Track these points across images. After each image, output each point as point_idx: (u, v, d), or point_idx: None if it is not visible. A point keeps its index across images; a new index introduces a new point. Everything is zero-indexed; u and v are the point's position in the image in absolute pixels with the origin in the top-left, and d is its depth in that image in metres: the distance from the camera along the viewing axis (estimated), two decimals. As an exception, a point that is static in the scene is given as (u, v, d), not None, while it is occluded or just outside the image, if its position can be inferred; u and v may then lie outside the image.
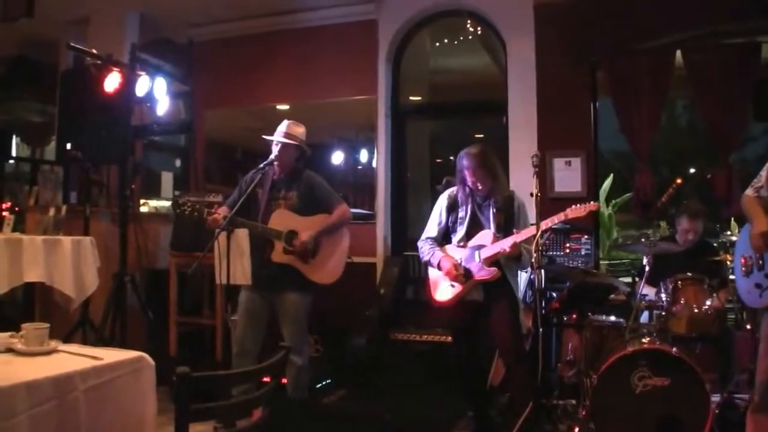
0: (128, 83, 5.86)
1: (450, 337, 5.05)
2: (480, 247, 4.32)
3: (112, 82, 5.86)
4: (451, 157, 9.88)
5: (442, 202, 4.55)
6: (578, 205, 4.07)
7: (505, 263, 4.31)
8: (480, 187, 4.35)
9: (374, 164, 6.95)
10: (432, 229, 4.56)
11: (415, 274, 6.67)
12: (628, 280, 5.92)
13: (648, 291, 4.75)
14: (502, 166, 4.59)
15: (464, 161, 4.36)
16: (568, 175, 6.18)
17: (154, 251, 6.68)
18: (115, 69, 5.87)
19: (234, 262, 4.31)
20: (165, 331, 6.20)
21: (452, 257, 4.39)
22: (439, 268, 4.42)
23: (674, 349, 4.15)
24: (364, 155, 7.09)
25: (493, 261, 4.28)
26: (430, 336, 5.92)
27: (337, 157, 7.16)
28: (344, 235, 4.78)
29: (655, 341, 4.24)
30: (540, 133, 6.26)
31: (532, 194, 4.12)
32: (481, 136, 8.78)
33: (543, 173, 5.83)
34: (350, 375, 5.83)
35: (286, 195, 4.66)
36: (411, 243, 7.31)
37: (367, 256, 6.61)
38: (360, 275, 6.01)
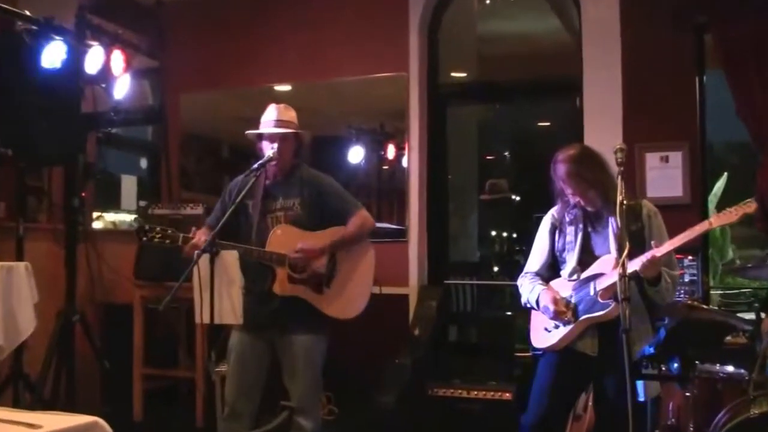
0: (75, 57, 5.85)
1: (509, 394, 4.98)
2: (597, 276, 4.24)
3: (53, 55, 5.81)
4: (506, 153, 10.02)
5: (545, 224, 4.51)
6: (729, 210, 3.97)
7: (634, 296, 4.08)
8: (582, 202, 4.28)
9: (405, 163, 6.92)
10: (534, 261, 4.52)
11: (459, 308, 6.61)
12: (750, 316, 5.83)
13: (779, 331, 4.66)
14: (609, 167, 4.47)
15: (559, 168, 4.28)
16: (665, 175, 6.13)
17: (113, 281, 6.68)
18: (57, 38, 5.84)
19: (220, 294, 4.29)
20: (127, 388, 6.19)
21: (555, 292, 4.33)
22: (537, 306, 4.36)
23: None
24: (391, 151, 7.06)
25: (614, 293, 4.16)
26: (482, 392, 5.86)
27: (356, 154, 7.14)
28: (367, 252, 4.79)
29: (792, 400, 4.14)
30: (626, 120, 6.21)
31: (615, 202, 4.03)
32: (546, 124, 8.74)
33: (630, 173, 5.74)
34: (375, 445, 5.81)
35: (285, 204, 4.67)
36: (455, 268, 7.30)
37: (396, 285, 6.57)
38: (388, 311, 5.94)
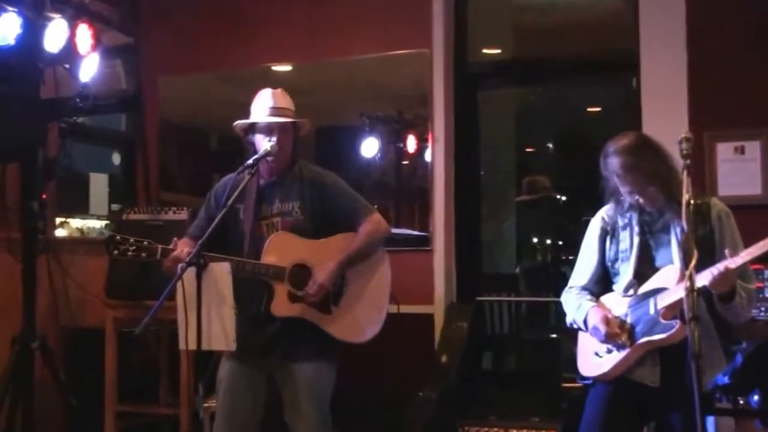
0: (33, 32, 5.87)
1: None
2: (658, 291, 4.22)
3: (4, 29, 5.82)
4: (549, 144, 9.98)
5: (594, 229, 4.48)
6: None
7: (703, 316, 4.09)
8: (641, 200, 4.25)
9: (428, 158, 6.93)
10: (581, 272, 4.50)
11: (494, 329, 6.60)
12: None
13: None
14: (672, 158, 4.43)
15: (612, 162, 4.25)
16: (740, 169, 6.11)
17: (80, 300, 6.69)
18: (10, 8, 5.85)
19: (209, 314, 4.28)
20: (98, 428, 6.19)
21: (607, 309, 4.32)
22: (585, 326, 4.34)
23: None
24: (411, 144, 7.08)
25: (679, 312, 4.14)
26: (522, 430, 5.84)
27: (369, 148, 7.14)
28: (381, 264, 4.80)
29: None
30: (693, 104, 6.19)
31: (679, 202, 4.02)
32: (597, 109, 8.72)
33: (698, 167, 5.77)
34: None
35: (282, 208, 4.69)
36: (489, 282, 7.29)
37: (419, 302, 6.57)
38: (408, 333, 5.97)
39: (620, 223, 4.39)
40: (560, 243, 8.77)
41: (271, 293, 4.55)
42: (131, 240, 4.47)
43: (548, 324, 7.47)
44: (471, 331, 6.45)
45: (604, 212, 4.48)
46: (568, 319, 4.47)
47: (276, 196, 4.68)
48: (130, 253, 4.44)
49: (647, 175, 4.19)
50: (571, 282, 4.54)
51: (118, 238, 4.48)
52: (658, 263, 4.28)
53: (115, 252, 4.46)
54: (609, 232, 4.44)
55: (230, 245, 4.61)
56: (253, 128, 4.71)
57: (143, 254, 4.44)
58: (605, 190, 4.39)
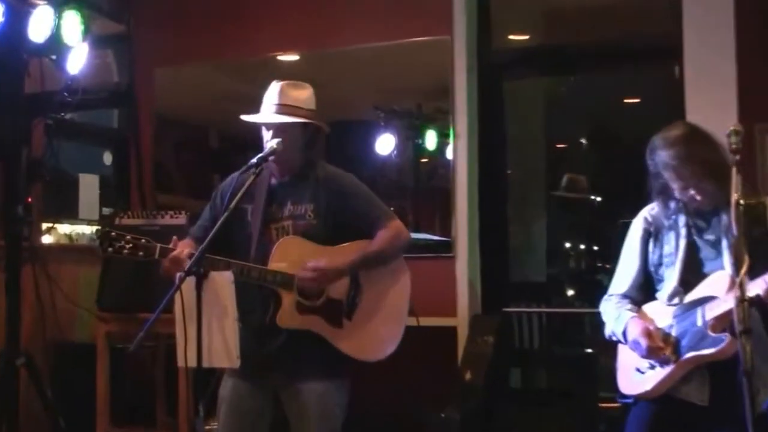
0: (16, 20, 5.88)
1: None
2: (707, 300, 4.20)
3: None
4: (583, 140, 9.96)
5: (636, 230, 4.45)
6: None
7: (757, 328, 4.08)
8: (699, 198, 4.22)
9: (450, 155, 6.93)
10: (621, 279, 4.48)
11: (524, 344, 6.58)
12: None
13: None
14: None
15: (662, 154, 4.22)
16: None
17: (69, 313, 6.70)
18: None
19: (210, 328, 4.26)
20: (89, 451, 6.21)
21: (649, 320, 4.29)
22: (624, 339, 4.31)
23: None
24: (431, 139, 7.09)
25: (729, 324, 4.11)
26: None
27: (385, 144, 7.16)
28: (400, 274, 4.75)
29: None
30: (742, 94, 6.17)
31: (728, 201, 4.00)
32: (635, 100, 8.70)
33: (750, 162, 5.77)
34: None
35: (294, 211, 4.64)
36: (517, 291, 7.27)
37: (440, 315, 6.56)
38: (429, 348, 5.96)
39: (665, 224, 4.35)
40: (595, 248, 8.76)
41: (278, 302, 4.50)
42: (128, 237, 4.45)
43: (583, 337, 7.45)
44: (497, 346, 6.43)
45: (647, 212, 4.44)
46: (607, 331, 4.43)
47: (288, 198, 4.63)
48: (126, 251, 4.43)
49: (705, 167, 4.13)
50: (611, 289, 4.51)
51: (113, 234, 4.46)
52: (706, 269, 4.23)
53: (110, 249, 4.44)
54: (652, 234, 4.40)
55: (236, 249, 4.57)
56: (260, 128, 4.69)
57: (140, 253, 4.43)
58: (652, 189, 4.35)
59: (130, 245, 4.43)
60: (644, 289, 4.43)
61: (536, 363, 7.38)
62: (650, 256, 4.40)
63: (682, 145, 4.17)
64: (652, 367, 4.23)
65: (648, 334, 4.18)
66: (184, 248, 4.44)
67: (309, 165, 4.72)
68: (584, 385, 6.47)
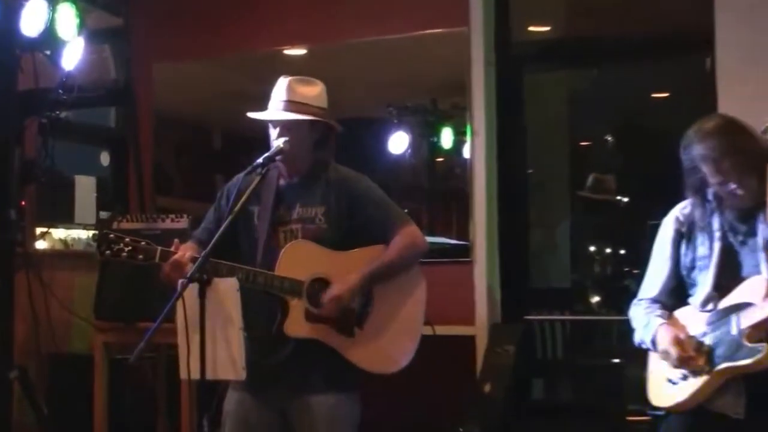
0: (7, 14, 5.90)
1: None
2: (742, 307, 4.18)
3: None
4: (608, 137, 9.94)
5: (667, 230, 4.43)
6: None
7: None
8: (739, 192, 4.18)
9: (467, 154, 6.93)
10: (651, 282, 4.46)
11: (546, 354, 6.57)
12: None
13: None
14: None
15: (701, 147, 4.17)
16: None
17: (65, 322, 6.70)
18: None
19: (214, 338, 4.26)
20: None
21: (680, 327, 4.27)
22: (654, 346, 4.30)
23: None
24: (447, 138, 7.09)
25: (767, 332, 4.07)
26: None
27: (398, 143, 7.16)
28: (416, 282, 4.73)
29: None
30: (779, 86, 6.16)
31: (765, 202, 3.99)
32: (664, 95, 8.68)
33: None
34: None
35: (304, 214, 4.62)
36: (539, 298, 7.26)
37: (458, 323, 6.56)
38: (446, 359, 5.96)
39: (699, 224, 4.31)
40: (622, 252, 8.74)
41: (286, 310, 4.48)
42: (127, 239, 4.42)
43: (610, 347, 7.43)
44: (518, 356, 6.41)
45: (679, 211, 4.41)
46: (636, 338, 4.40)
47: (297, 200, 4.60)
48: (124, 254, 4.39)
49: (747, 159, 4.09)
50: (641, 293, 4.48)
51: (111, 236, 4.43)
52: (744, 273, 4.19)
53: (108, 252, 4.41)
54: (684, 235, 4.37)
55: (241, 253, 4.56)
56: (268, 126, 4.68)
57: (140, 256, 4.39)
58: (686, 187, 4.31)
59: (129, 248, 4.40)
60: (676, 294, 4.40)
61: (560, 374, 7.37)
62: (682, 258, 4.36)
63: (722, 136, 4.13)
64: (685, 378, 4.19)
65: (679, 342, 4.14)
66: (186, 251, 4.41)
67: (319, 166, 4.69)
68: (611, 398, 6.45)
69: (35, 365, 6.08)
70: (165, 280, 4.37)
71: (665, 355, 4.20)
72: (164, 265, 4.38)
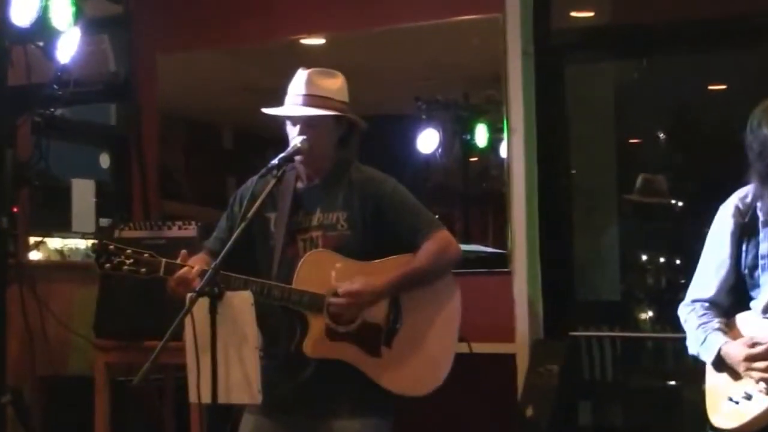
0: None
1: None
2: None
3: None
4: (660, 134, 9.93)
5: (724, 221, 4.36)
6: None
7: None
8: None
9: (503, 153, 6.92)
10: (707, 281, 4.40)
11: (594, 374, 6.55)
12: None
13: None
14: None
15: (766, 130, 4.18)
16: None
17: (63, 341, 6.71)
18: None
19: (227, 358, 4.27)
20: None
21: (745, 337, 4.21)
22: (718, 362, 4.25)
23: None
24: (481, 135, 7.09)
25: None
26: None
27: (428, 141, 7.15)
28: (449, 294, 4.71)
29: None
30: None
31: None
32: (721, 87, 8.67)
33: None
34: None
35: (324, 220, 4.62)
36: (585, 312, 7.25)
37: (496, 340, 6.59)
38: (484, 380, 5.97)
39: (761, 216, 4.19)
40: (677, 262, 8.72)
41: (305, 328, 4.46)
42: (128, 251, 4.41)
43: (664, 366, 7.41)
44: (563, 376, 6.39)
45: (738, 199, 4.29)
46: (692, 349, 4.33)
47: (317, 205, 4.59)
48: (126, 267, 4.39)
49: None
50: (693, 292, 4.40)
51: (111, 247, 4.42)
52: None
53: (107, 265, 4.41)
54: (746, 229, 4.26)
55: (257, 264, 4.56)
56: (285, 122, 4.66)
57: (142, 269, 4.39)
58: (753, 173, 4.20)
59: (131, 260, 4.39)
60: (734, 293, 4.31)
61: (609, 396, 7.36)
62: (743, 256, 4.26)
63: None
64: (748, 398, 4.13)
65: (753, 358, 4.06)
66: (195, 264, 4.40)
67: (342, 166, 4.68)
68: (666, 422, 6.45)
69: (30, 388, 6.09)
70: (171, 296, 4.37)
71: (730, 363, 4.12)
72: (170, 280, 4.38)
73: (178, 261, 4.41)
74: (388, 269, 4.55)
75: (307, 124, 4.54)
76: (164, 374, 6.47)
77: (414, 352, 4.59)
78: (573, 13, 7.37)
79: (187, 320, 4.19)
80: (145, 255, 4.42)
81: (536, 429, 6.18)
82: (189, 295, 4.18)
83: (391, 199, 4.64)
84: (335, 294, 4.43)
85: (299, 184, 4.66)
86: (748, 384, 4.13)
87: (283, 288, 4.45)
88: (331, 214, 4.59)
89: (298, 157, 4.52)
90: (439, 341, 4.64)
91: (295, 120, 4.57)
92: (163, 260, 4.40)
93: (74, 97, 7.38)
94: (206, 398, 4.21)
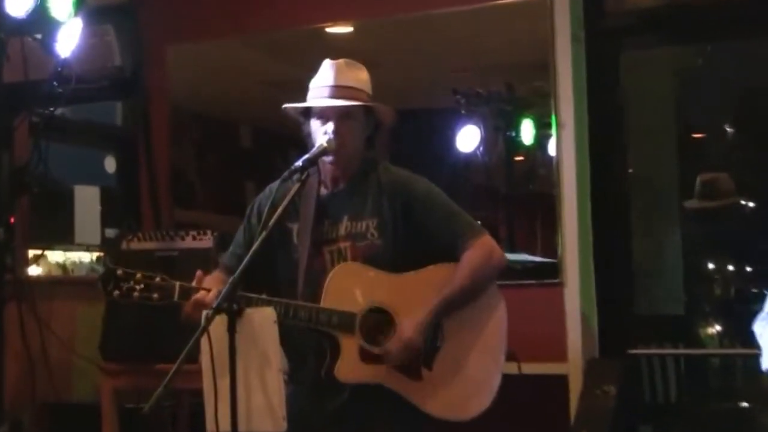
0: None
1: None
2: None
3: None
4: (727, 127, 9.90)
5: None
6: None
7: None
8: None
9: (552, 151, 6.91)
10: None
11: (656, 396, 6.53)
12: None
13: None
14: None
15: None
16: None
17: (65, 364, 6.72)
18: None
19: (248, 382, 4.26)
20: None
21: None
22: None
23: None
24: (527, 131, 7.08)
25: None
26: None
27: (468, 138, 7.14)
28: (493, 307, 4.69)
29: None
30: None
31: None
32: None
33: None
34: None
35: (353, 229, 4.61)
36: (645, 327, 7.22)
37: (546, 359, 6.58)
38: (534, 402, 5.94)
39: None
40: (748, 269, 8.68)
41: (336, 350, 4.45)
42: (138, 275, 4.41)
43: (734, 387, 7.38)
44: (621, 398, 6.36)
45: None
46: (765, 364, 4.27)
47: (344, 212, 4.58)
48: (136, 293, 4.39)
49: None
50: None
51: (119, 272, 4.42)
52: None
53: (116, 293, 4.40)
54: None
55: (279, 281, 4.56)
56: (308, 113, 4.63)
57: (155, 295, 4.39)
58: None
59: (142, 286, 4.38)
60: None
61: (672, 420, 7.34)
62: None
63: None
64: None
65: None
66: (212, 286, 4.38)
67: (369, 168, 4.68)
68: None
69: (30, 416, 6.10)
70: (186, 322, 4.36)
71: None
72: (184, 305, 4.38)
73: (194, 284, 4.41)
74: (425, 282, 4.55)
75: (342, 117, 4.52)
76: (178, 400, 6.48)
77: (457, 372, 4.59)
78: (630, -2, 7.37)
79: (204, 340, 4.15)
80: (157, 279, 4.41)
81: (592, 457, 6.18)
82: (205, 312, 4.14)
83: (425, 201, 4.63)
84: (386, 348, 4.43)
85: (323, 190, 4.66)
86: None
87: (311, 308, 4.44)
88: (360, 222, 4.59)
89: (327, 158, 4.51)
90: (483, 360, 4.63)
91: (327, 113, 4.54)
92: (177, 283, 4.40)
93: (76, 95, 7.40)
94: (225, 427, 4.20)
